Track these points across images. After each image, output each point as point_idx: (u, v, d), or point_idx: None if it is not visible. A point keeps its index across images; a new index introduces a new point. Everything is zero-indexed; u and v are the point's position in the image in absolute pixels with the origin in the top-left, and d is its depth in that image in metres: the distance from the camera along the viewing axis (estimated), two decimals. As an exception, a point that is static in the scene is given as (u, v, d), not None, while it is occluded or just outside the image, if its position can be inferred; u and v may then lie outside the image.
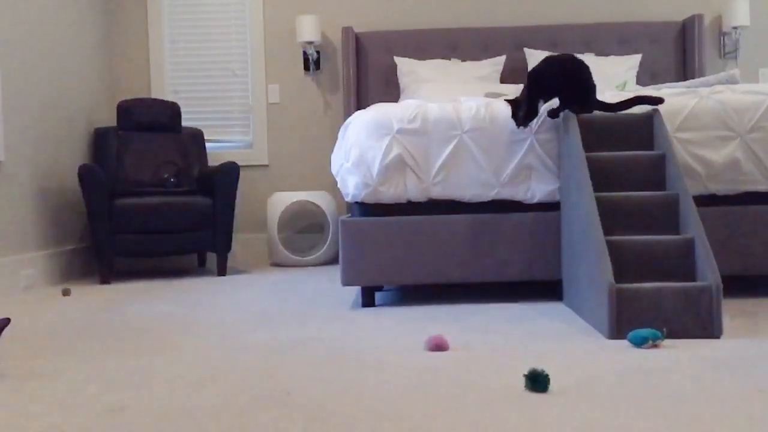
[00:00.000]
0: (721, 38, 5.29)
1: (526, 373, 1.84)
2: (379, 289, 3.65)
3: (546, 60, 3.04)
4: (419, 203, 3.21)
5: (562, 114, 3.01)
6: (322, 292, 3.73)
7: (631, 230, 2.75)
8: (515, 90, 4.80)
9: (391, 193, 3.17)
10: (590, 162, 2.86)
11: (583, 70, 2.96)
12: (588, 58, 4.90)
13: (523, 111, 2.78)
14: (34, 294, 3.94)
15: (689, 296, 2.40)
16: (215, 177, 4.55)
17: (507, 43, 5.16)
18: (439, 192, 3.18)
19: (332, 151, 3.65)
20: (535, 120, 2.91)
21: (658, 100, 2.98)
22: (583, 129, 2.99)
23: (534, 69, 3.00)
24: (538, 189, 3.15)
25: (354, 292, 3.64)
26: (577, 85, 2.96)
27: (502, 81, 4.99)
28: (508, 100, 2.95)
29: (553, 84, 2.97)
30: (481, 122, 3.16)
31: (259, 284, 4.12)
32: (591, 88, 2.98)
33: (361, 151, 3.18)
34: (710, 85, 3.42)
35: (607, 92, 3.52)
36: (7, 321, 2.43)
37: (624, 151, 2.99)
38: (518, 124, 2.80)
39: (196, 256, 5.22)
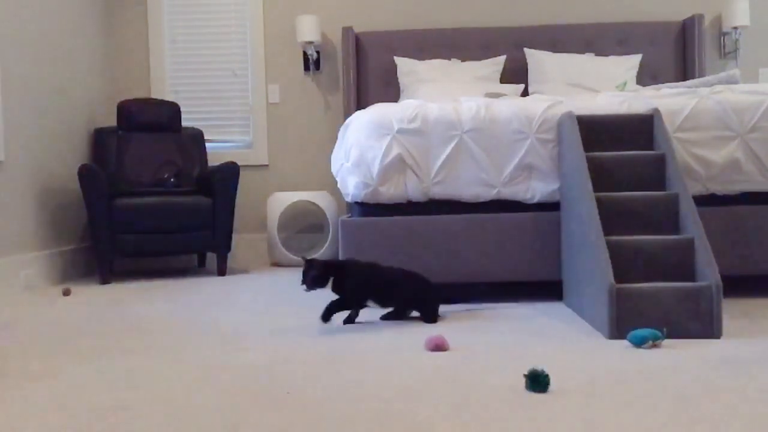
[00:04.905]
0: (721, 38, 5.29)
1: (526, 373, 1.84)
2: (379, 289, 3.64)
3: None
4: (419, 203, 3.21)
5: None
6: (322, 291, 3.71)
7: (631, 230, 2.75)
8: (515, 90, 4.82)
9: (391, 193, 3.17)
10: (590, 162, 2.86)
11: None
12: (588, 58, 4.96)
13: (313, 275, 2.65)
14: (34, 294, 3.93)
15: (689, 296, 2.40)
16: (215, 177, 4.55)
17: (507, 43, 5.15)
18: (439, 192, 3.18)
19: (332, 151, 3.65)
20: (319, 287, 2.70)
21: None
22: (583, 129, 2.99)
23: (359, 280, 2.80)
24: (538, 189, 3.15)
25: (354, 292, 3.63)
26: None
27: (502, 81, 4.99)
28: (305, 259, 2.73)
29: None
30: (481, 122, 3.16)
31: (259, 284, 4.12)
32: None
33: (361, 151, 3.18)
34: (710, 85, 3.42)
35: (606, 92, 3.53)
36: None
37: (624, 151, 2.99)
38: (303, 282, 2.68)
39: (196, 256, 5.22)
